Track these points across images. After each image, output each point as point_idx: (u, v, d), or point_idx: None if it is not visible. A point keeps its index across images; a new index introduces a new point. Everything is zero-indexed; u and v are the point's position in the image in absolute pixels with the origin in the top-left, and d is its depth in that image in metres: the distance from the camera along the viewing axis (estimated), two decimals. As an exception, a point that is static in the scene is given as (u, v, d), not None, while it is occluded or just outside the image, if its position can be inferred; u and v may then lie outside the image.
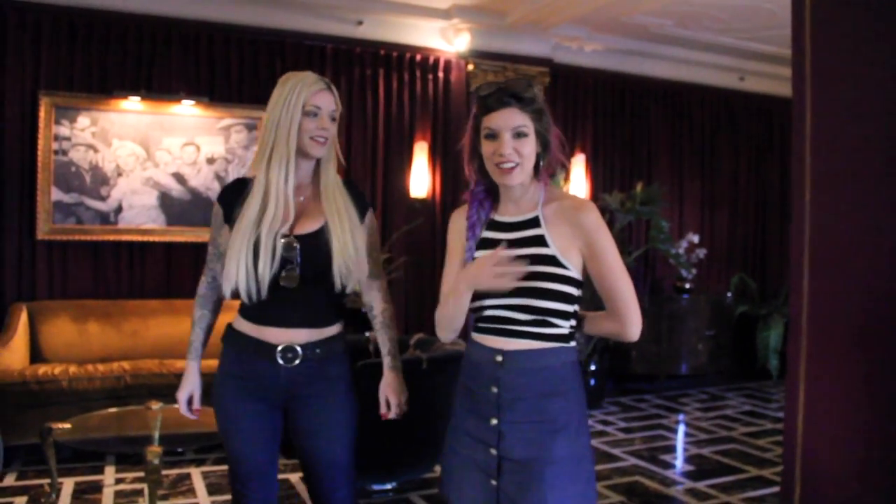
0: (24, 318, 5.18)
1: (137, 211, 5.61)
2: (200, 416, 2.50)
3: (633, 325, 2.02)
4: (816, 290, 3.73)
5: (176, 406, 2.54)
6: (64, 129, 5.42)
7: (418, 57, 6.53)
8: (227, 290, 2.30)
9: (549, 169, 2.08)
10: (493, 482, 2.00)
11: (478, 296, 2.03)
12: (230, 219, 2.32)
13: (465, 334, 2.20)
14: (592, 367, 6.38)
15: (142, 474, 4.24)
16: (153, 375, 4.94)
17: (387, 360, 2.49)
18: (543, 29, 6.60)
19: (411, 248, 6.42)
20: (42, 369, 4.83)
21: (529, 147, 1.99)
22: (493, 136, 1.99)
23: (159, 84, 5.68)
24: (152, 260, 5.72)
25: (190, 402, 2.48)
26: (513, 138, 1.97)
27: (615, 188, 7.25)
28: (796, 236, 3.80)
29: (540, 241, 2.00)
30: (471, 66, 6.59)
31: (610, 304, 2.03)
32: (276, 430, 2.41)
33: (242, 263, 2.22)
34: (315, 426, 2.36)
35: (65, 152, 5.44)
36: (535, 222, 2.03)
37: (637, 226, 7.39)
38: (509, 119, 1.97)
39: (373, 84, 6.40)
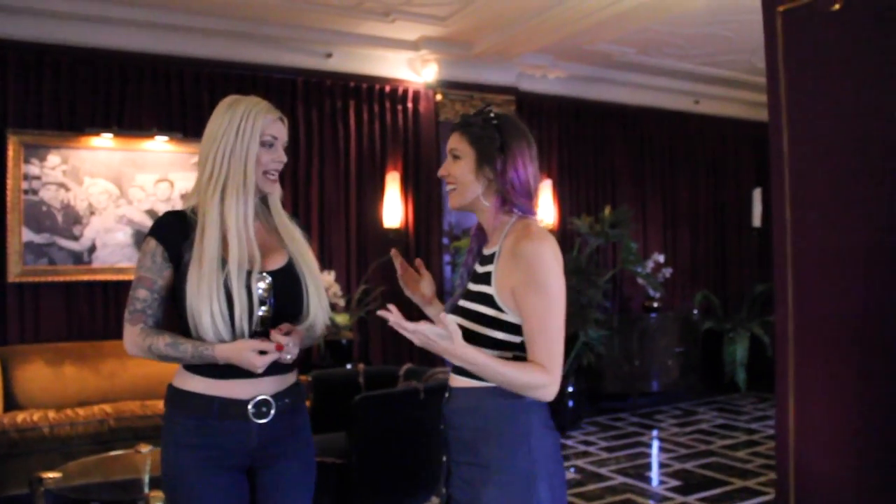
0: (-5, 364, 5.03)
1: (111, 249, 5.51)
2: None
3: (552, 384, 1.79)
4: (801, 300, 3.87)
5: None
6: (34, 168, 5.30)
7: (387, 88, 6.59)
8: None
9: (503, 201, 1.95)
10: None
11: None
12: (176, 259, 2.05)
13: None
14: (570, 389, 6.46)
15: (136, 520, 4.14)
16: (137, 418, 4.85)
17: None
18: (508, 58, 6.73)
19: (388, 279, 6.41)
20: (21, 416, 4.69)
21: (461, 170, 1.97)
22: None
23: (131, 120, 5.61)
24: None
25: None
26: (451, 161, 2.00)
27: (582, 212, 7.39)
28: (778, 247, 3.94)
29: (486, 278, 1.92)
30: (439, 96, 6.69)
31: (530, 350, 1.82)
32: (247, 499, 2.13)
33: (217, 312, 1.97)
34: (282, 488, 2.15)
35: (35, 192, 5.32)
36: (492, 258, 1.94)
37: (603, 248, 7.53)
38: (449, 143, 2.02)
39: (343, 116, 6.43)
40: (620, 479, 5.11)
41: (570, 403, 6.48)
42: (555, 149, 7.48)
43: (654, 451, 5.95)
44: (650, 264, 7.45)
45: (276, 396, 2.09)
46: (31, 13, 5.24)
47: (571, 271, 6.54)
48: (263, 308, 2.05)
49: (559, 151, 7.51)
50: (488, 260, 1.95)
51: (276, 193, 2.19)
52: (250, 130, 2.06)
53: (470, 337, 1.83)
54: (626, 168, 7.91)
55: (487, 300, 1.89)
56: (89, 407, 4.94)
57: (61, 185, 5.39)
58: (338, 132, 6.42)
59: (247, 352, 1.96)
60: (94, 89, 5.51)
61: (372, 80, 6.53)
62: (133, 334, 2.07)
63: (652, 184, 8.07)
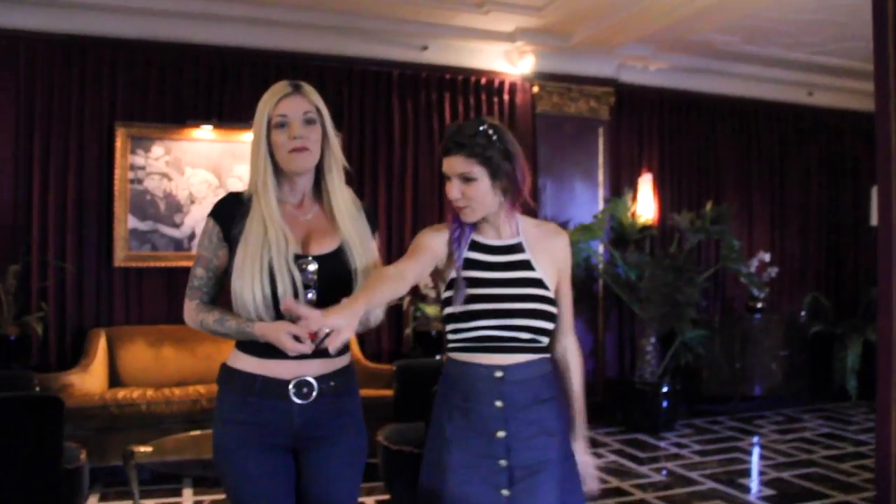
0: (102, 343, 5.30)
1: (210, 237, 5.70)
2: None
3: (573, 334, 2.29)
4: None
5: None
6: (139, 159, 5.57)
7: (483, 80, 6.56)
8: None
9: (516, 201, 2.15)
10: (505, 492, 2.04)
11: (472, 317, 2.07)
12: (229, 238, 2.11)
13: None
14: (665, 389, 6.25)
15: (219, 496, 4.28)
16: (228, 399, 5.00)
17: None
18: (608, 49, 6.56)
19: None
20: (121, 393, 4.94)
21: (478, 190, 2.07)
22: (448, 178, 2.11)
23: (230, 113, 5.80)
24: (224, 285, 5.81)
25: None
26: (462, 183, 2.07)
27: (683, 207, 7.14)
28: (884, 256, 3.69)
29: (527, 265, 2.14)
30: (536, 88, 6.60)
31: (562, 317, 2.22)
32: (293, 478, 2.15)
33: (258, 290, 2.02)
34: (326, 471, 2.15)
35: (140, 181, 5.58)
36: (519, 247, 2.16)
37: (706, 245, 7.26)
38: (455, 166, 2.07)
39: (439, 108, 6.44)
40: (710, 485, 4.90)
41: (665, 403, 6.27)
42: (656, 142, 7.26)
43: (752, 457, 5.69)
44: (755, 263, 7.11)
45: (319, 379, 2.10)
46: (139, 12, 5.52)
47: (667, 268, 6.33)
48: (311, 293, 2.07)
49: (660, 145, 7.28)
50: (513, 249, 2.16)
51: (328, 169, 2.18)
52: (260, 117, 2.11)
53: (537, 314, 2.10)
54: (732, 163, 7.59)
55: (537, 283, 2.13)
56: (185, 387, 5.15)
57: (164, 175, 5.63)
58: (433, 124, 6.43)
59: (281, 332, 1.98)
60: (196, 83, 5.74)
61: (468, 73, 6.51)
62: (189, 309, 2.18)
63: (759, 179, 7.71)
